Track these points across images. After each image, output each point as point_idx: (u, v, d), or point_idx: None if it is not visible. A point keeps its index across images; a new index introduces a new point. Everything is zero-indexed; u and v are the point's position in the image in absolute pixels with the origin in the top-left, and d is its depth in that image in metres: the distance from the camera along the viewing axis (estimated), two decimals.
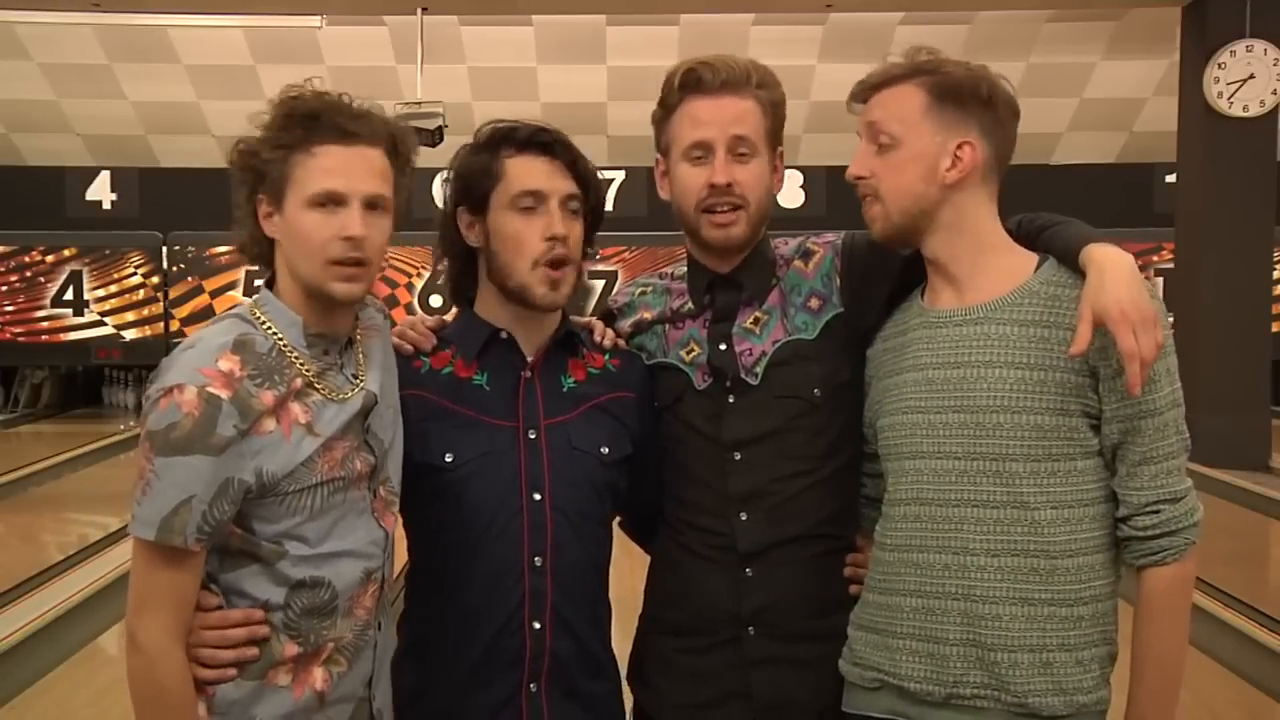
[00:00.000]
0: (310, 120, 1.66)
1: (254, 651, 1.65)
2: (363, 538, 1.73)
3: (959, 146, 1.78)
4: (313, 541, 1.68)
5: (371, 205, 1.68)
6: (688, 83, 1.93)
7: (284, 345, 1.69)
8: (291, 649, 1.68)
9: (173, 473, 1.57)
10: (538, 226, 1.85)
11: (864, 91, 1.82)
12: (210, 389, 1.58)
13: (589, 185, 1.90)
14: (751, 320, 1.98)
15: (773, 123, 1.96)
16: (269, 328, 1.69)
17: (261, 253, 1.75)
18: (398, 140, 1.74)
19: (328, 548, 1.69)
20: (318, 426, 1.68)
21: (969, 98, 1.78)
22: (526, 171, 1.86)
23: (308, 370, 1.69)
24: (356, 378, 1.76)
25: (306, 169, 1.66)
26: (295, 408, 1.67)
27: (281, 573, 1.66)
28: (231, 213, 1.75)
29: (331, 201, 1.66)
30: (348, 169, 1.67)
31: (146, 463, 1.59)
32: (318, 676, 1.70)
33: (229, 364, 1.62)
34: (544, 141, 1.87)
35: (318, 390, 1.70)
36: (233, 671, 1.65)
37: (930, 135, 1.77)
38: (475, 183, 1.89)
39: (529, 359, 1.92)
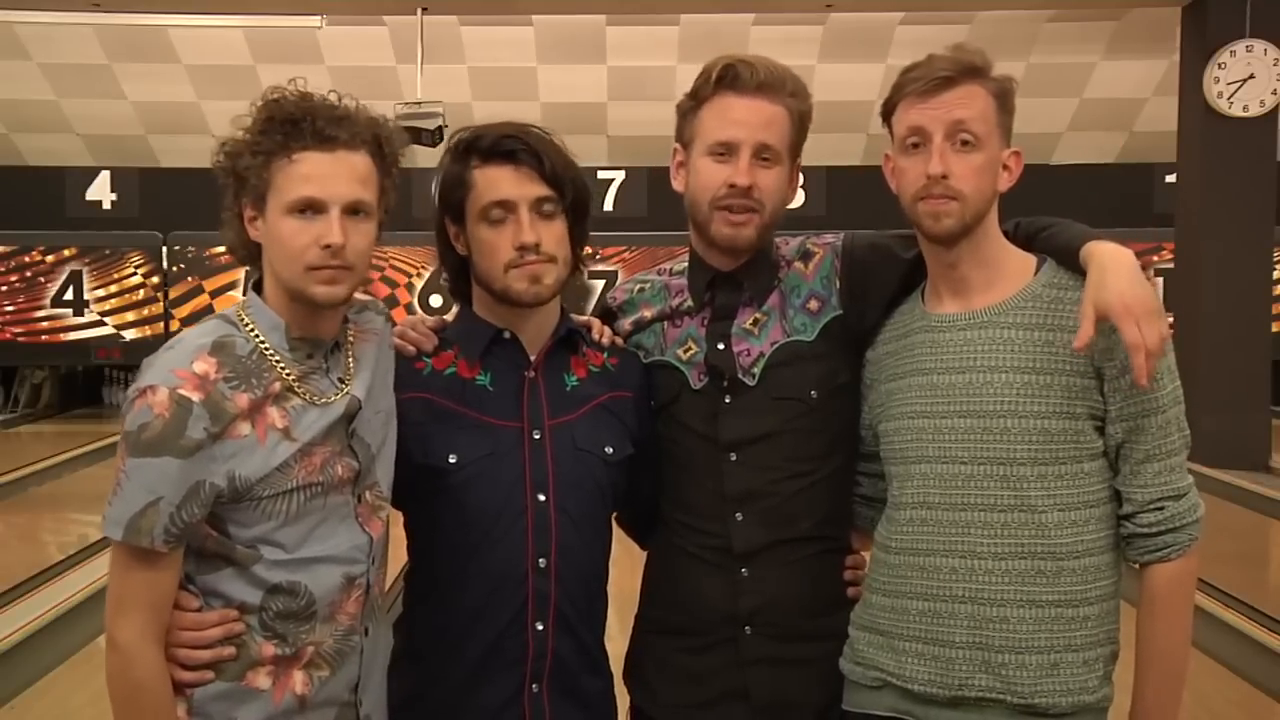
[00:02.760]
0: (290, 125, 1.64)
1: (231, 651, 1.65)
2: (344, 543, 1.72)
3: (1010, 156, 1.80)
4: (289, 547, 1.67)
5: (352, 211, 1.66)
6: (724, 77, 1.90)
7: (265, 348, 1.68)
8: (269, 650, 1.67)
9: (142, 473, 1.57)
10: (508, 235, 1.84)
11: (936, 84, 1.75)
12: (181, 390, 1.58)
13: (562, 184, 1.86)
14: (751, 321, 1.98)
15: (798, 133, 1.94)
16: (252, 330, 1.69)
17: (250, 254, 1.73)
18: (383, 142, 1.72)
19: (305, 553, 1.68)
20: (295, 431, 1.67)
21: (1012, 107, 1.80)
22: (492, 182, 1.84)
23: (288, 374, 1.68)
24: (343, 382, 1.74)
25: (286, 175, 1.64)
26: (272, 412, 1.65)
27: (257, 576, 1.66)
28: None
29: (310, 209, 1.64)
30: (327, 175, 1.64)
31: (120, 462, 1.59)
32: (298, 680, 1.69)
33: (204, 366, 1.61)
34: (507, 150, 1.85)
35: (298, 394, 1.68)
36: (210, 674, 1.65)
37: (999, 141, 1.79)
38: (451, 194, 1.89)
39: (532, 358, 1.92)
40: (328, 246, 1.63)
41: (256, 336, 1.68)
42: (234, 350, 1.65)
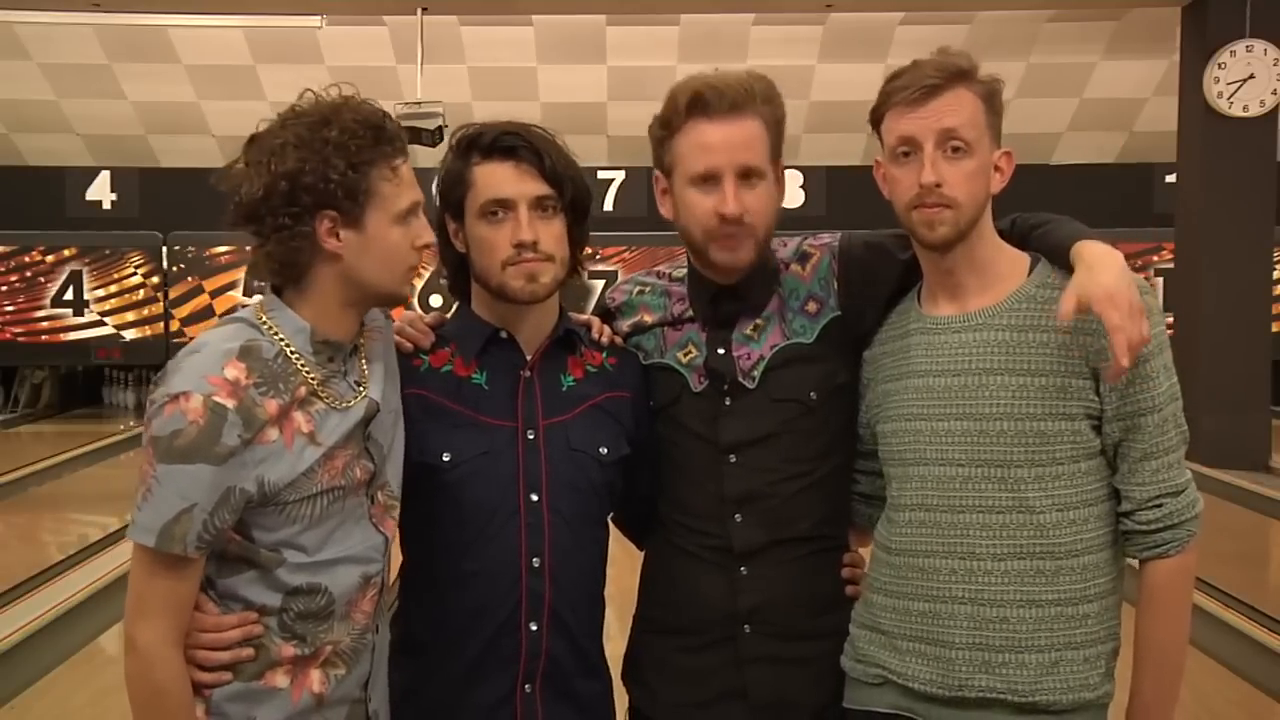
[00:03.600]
0: (379, 133, 1.67)
1: (249, 652, 1.66)
2: (360, 543, 1.73)
3: (1000, 156, 1.80)
4: (310, 549, 1.68)
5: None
6: (694, 105, 1.87)
7: (290, 351, 1.68)
8: (288, 650, 1.68)
9: (175, 480, 1.57)
10: (506, 233, 1.84)
11: (923, 92, 1.74)
12: (216, 398, 1.58)
13: (562, 182, 1.86)
14: (751, 328, 1.97)
15: (776, 138, 1.92)
16: (275, 333, 1.68)
17: (294, 270, 1.70)
18: None
19: (325, 555, 1.69)
20: (320, 436, 1.67)
21: (1000, 107, 1.80)
22: (492, 179, 1.85)
23: (312, 378, 1.68)
24: (359, 385, 1.75)
25: (392, 184, 1.68)
26: (298, 416, 1.66)
27: (278, 579, 1.66)
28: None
29: (412, 215, 1.71)
30: (414, 182, 1.72)
31: (149, 468, 1.59)
32: (315, 679, 1.70)
33: (235, 371, 1.61)
34: (507, 146, 1.85)
35: (321, 399, 1.69)
36: (229, 675, 1.65)
37: (989, 144, 1.78)
38: (451, 191, 1.89)
39: (528, 358, 1.92)
40: (427, 245, 1.74)
41: (280, 339, 1.68)
42: (261, 354, 1.65)
